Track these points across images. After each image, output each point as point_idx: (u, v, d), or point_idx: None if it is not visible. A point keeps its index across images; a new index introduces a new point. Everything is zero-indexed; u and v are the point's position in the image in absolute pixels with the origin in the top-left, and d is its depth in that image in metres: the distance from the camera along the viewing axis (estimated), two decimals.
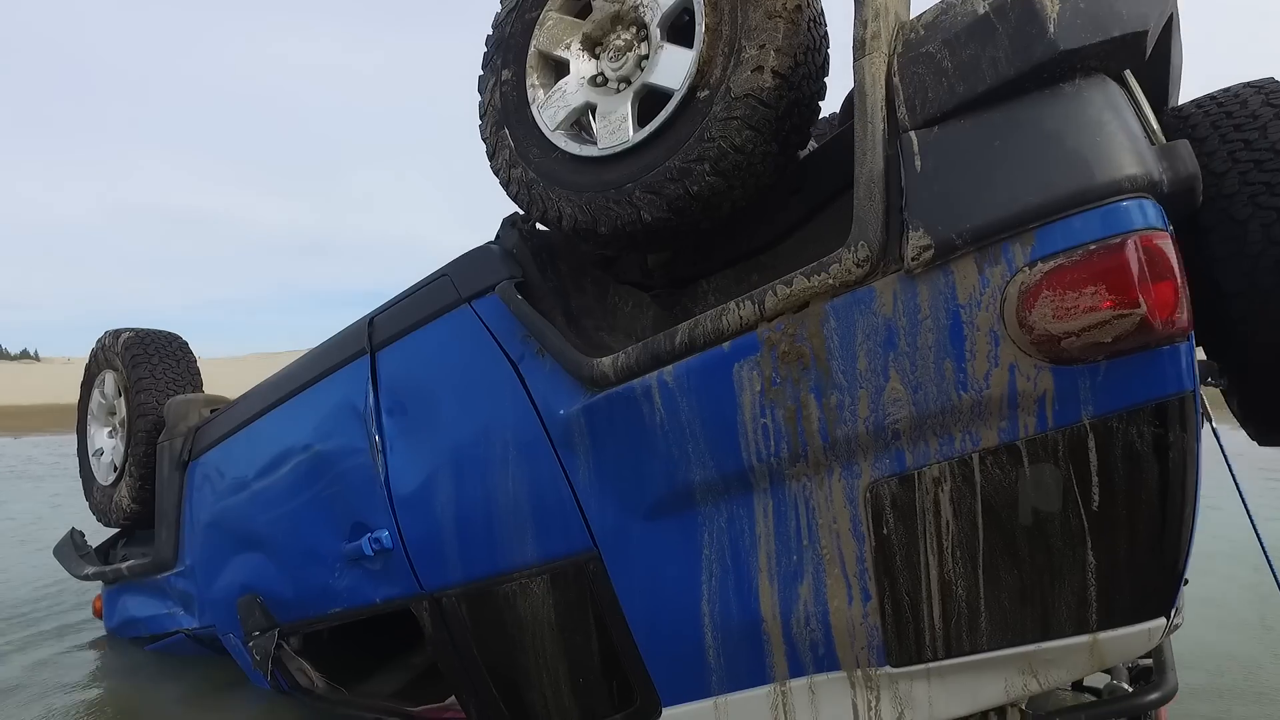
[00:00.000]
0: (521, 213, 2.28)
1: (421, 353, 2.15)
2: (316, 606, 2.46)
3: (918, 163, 1.44)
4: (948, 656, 1.53)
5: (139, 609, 3.28)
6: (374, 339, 2.27)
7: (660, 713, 1.83)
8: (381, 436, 2.18)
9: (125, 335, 3.31)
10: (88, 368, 3.55)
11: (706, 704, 1.77)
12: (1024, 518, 1.42)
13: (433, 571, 2.11)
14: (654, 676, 1.82)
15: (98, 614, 3.62)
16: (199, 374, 3.34)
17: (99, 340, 3.49)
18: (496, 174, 1.99)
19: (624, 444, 1.74)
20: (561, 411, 1.82)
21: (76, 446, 3.61)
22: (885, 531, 1.52)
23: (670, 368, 1.64)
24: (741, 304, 1.56)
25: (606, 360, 1.73)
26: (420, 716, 2.44)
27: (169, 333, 3.38)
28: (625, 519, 1.78)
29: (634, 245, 1.87)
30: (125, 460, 3.24)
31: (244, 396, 2.86)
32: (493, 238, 2.17)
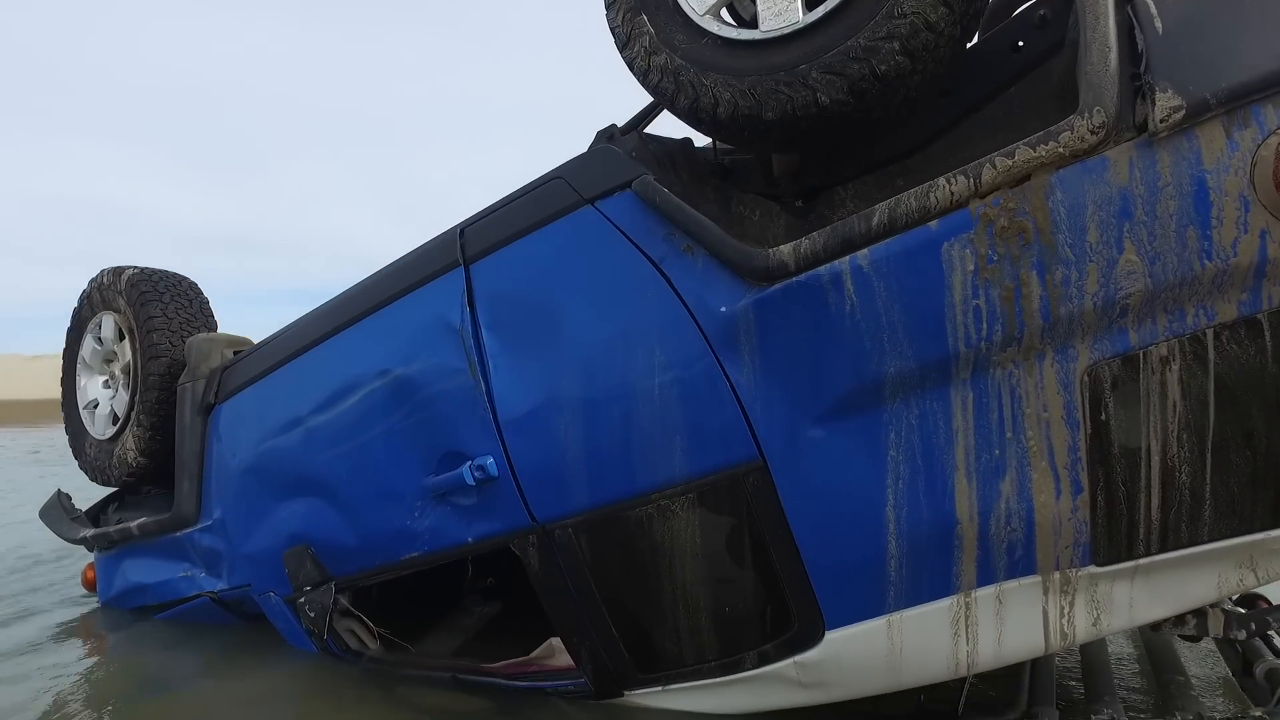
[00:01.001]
0: (615, 125, 2.15)
1: (531, 261, 1.98)
2: (386, 553, 2.24)
3: (1157, 23, 1.38)
4: (1161, 551, 1.46)
5: (147, 574, 2.95)
6: (467, 251, 2.08)
7: (822, 636, 1.71)
8: (482, 355, 1.99)
9: (130, 272, 2.99)
10: (77, 313, 3.19)
11: (878, 622, 1.66)
12: (1263, 393, 1.37)
13: (547, 500, 1.93)
14: (820, 596, 1.69)
15: (89, 585, 3.25)
16: (214, 318, 3.04)
17: (92, 281, 3.14)
18: (632, 63, 1.84)
19: (802, 339, 1.62)
20: (723, 309, 1.69)
21: (62, 401, 3.24)
22: (1103, 417, 1.45)
23: (865, 251, 1.53)
24: (952, 179, 1.46)
25: (786, 248, 1.61)
26: (499, 673, 2.25)
27: (177, 273, 3.07)
28: (798, 423, 1.66)
29: (795, 135, 1.74)
30: (130, 409, 2.92)
31: (281, 333, 2.60)
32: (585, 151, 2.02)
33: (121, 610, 3.11)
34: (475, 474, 1.96)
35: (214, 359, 2.80)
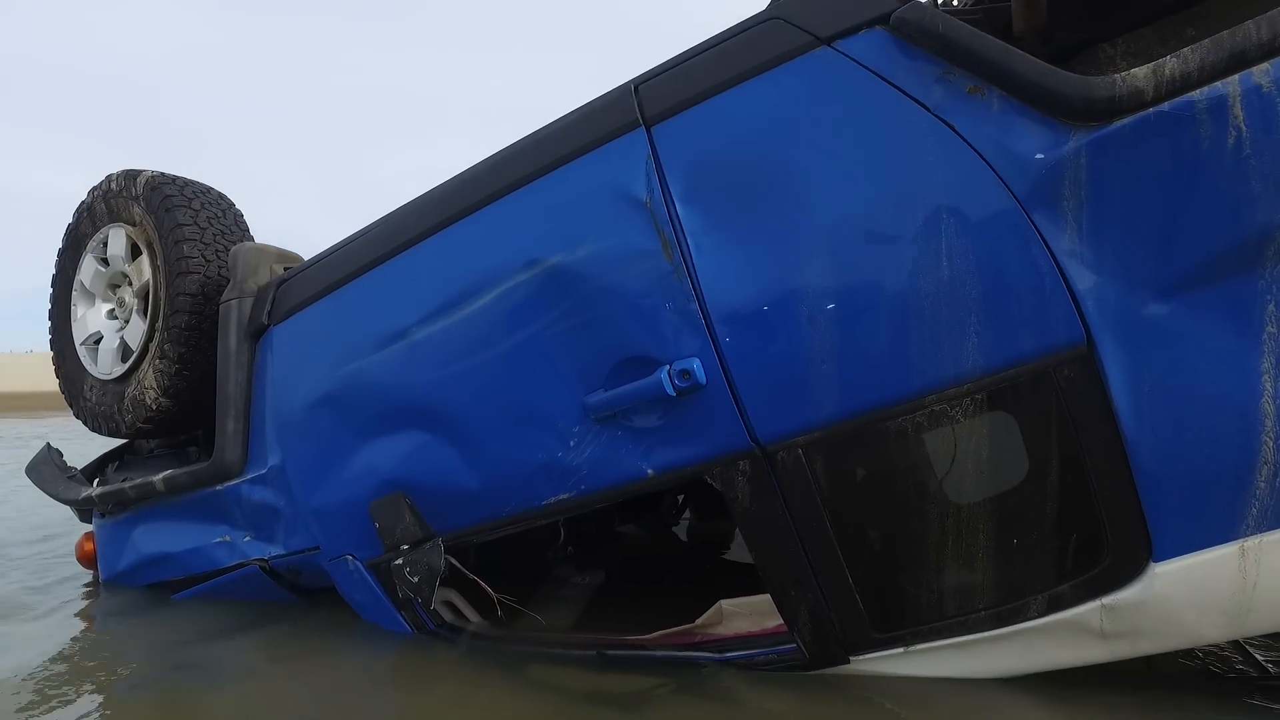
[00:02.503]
0: None
1: (745, 118, 1.58)
2: (523, 496, 1.80)
3: None
4: None
5: (172, 540, 2.40)
6: (646, 110, 1.67)
7: (1144, 570, 1.37)
8: (680, 233, 1.58)
9: (148, 174, 2.45)
10: (72, 230, 2.63)
11: (1227, 550, 1.33)
12: None
13: (773, 413, 1.54)
14: (1151, 519, 1.35)
15: (86, 559, 2.67)
16: (251, 237, 2.52)
17: (94, 191, 2.58)
18: None
19: (1155, 188, 1.27)
20: (1039, 157, 1.33)
21: (52, 337, 2.66)
22: None
23: (1267, 66, 1.19)
24: None
25: (1140, 71, 1.26)
26: (657, 643, 1.84)
27: (203, 182, 2.54)
28: (1138, 296, 1.31)
29: None
30: (149, 340, 2.38)
31: (356, 237, 2.12)
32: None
33: (128, 588, 2.55)
34: (676, 381, 1.55)
35: (263, 274, 2.30)
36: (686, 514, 3.43)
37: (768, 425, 1.54)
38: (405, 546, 1.93)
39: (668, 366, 1.57)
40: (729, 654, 1.77)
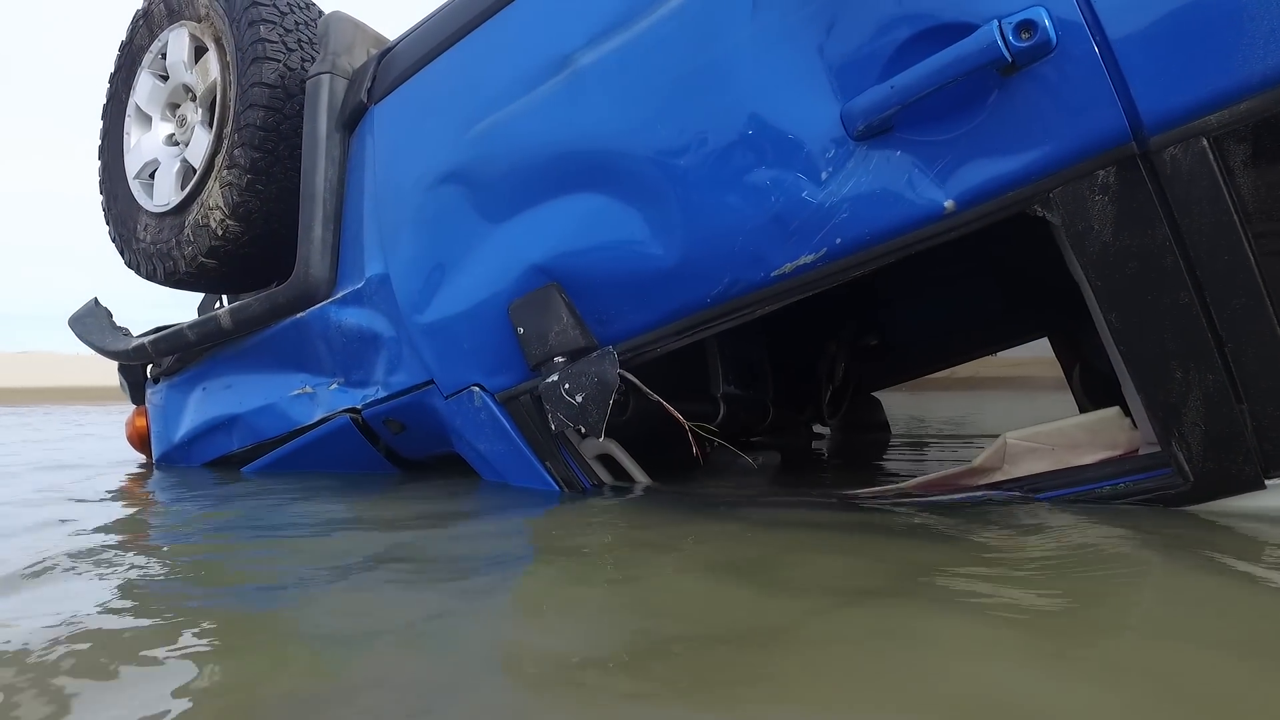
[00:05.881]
0: None
1: None
2: (741, 270, 1.25)
3: None
4: None
5: (237, 399, 1.90)
6: None
7: None
8: None
9: None
10: (125, 47, 2.19)
11: None
12: None
13: (1175, 78, 0.98)
14: None
15: (138, 439, 2.19)
16: None
17: None
18: None
19: None
20: None
21: (101, 180, 2.21)
22: None
23: None
24: None
25: None
26: (921, 490, 1.30)
27: None
28: None
29: None
30: (215, 152, 1.90)
31: None
32: None
33: (185, 468, 2.05)
34: (1012, 40, 1.01)
35: (358, 55, 1.81)
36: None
37: (1160, 100, 0.97)
38: (561, 358, 1.38)
39: (995, 21, 1.02)
40: (1047, 493, 1.19)
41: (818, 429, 2.87)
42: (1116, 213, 1.04)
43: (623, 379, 1.35)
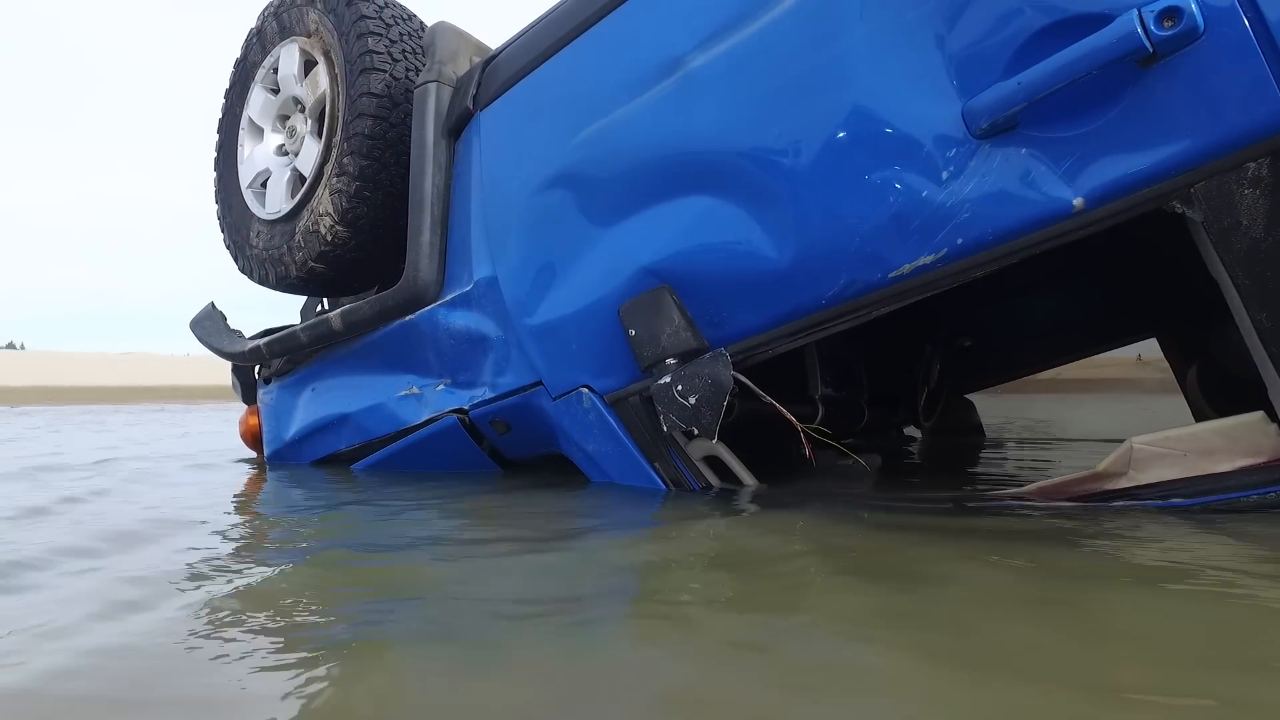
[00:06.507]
0: None
1: None
2: (858, 270, 1.24)
3: None
4: None
5: (347, 399, 1.98)
6: None
7: None
8: None
9: None
10: (240, 64, 2.30)
11: None
12: None
13: None
14: None
15: (251, 436, 2.30)
16: None
17: (263, 14, 2.24)
18: None
19: None
20: None
21: (216, 189, 2.32)
22: None
23: None
24: None
25: None
26: (1042, 495, 1.26)
27: None
28: None
29: None
30: (324, 160, 1.98)
31: None
32: None
33: (295, 465, 2.14)
34: (1154, 29, 0.99)
35: (462, 63, 1.86)
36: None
37: None
38: (672, 360, 1.39)
39: (1135, 9, 0.99)
40: (1178, 500, 1.15)
41: (907, 431, 2.82)
42: (1269, 207, 1.00)
43: (735, 381, 1.35)
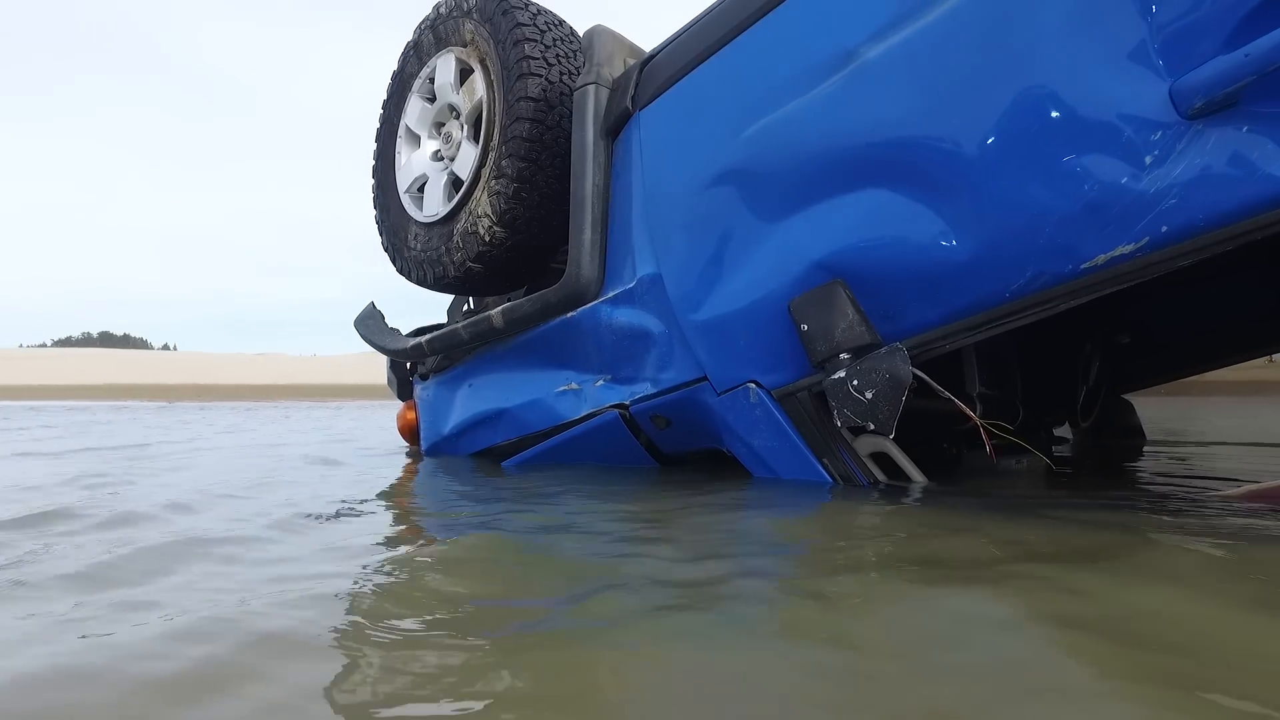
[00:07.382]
0: None
1: None
2: (1047, 261, 1.19)
3: None
4: None
5: (505, 394, 2.06)
6: None
7: None
8: None
9: None
10: (398, 76, 2.42)
11: None
12: None
13: None
14: None
15: (408, 431, 2.42)
16: None
17: (419, 27, 2.36)
18: None
19: None
20: None
21: (375, 194, 2.46)
22: None
23: None
24: None
25: None
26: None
27: None
28: None
29: None
30: (481, 164, 2.06)
31: None
32: None
33: (451, 457, 2.23)
34: None
35: (618, 65, 1.90)
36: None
37: None
38: (846, 355, 1.38)
39: None
40: None
41: (1057, 433, 2.69)
42: None
43: (917, 375, 1.33)
